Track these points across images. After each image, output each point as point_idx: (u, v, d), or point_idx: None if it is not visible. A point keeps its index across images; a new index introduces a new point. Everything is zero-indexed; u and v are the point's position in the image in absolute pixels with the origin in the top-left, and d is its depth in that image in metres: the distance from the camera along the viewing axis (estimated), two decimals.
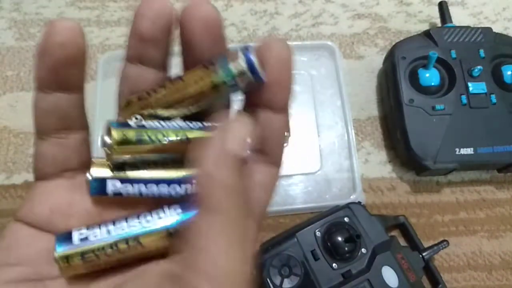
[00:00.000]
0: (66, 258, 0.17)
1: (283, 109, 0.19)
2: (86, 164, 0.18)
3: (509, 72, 0.44)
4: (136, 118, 0.18)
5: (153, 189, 0.18)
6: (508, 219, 0.44)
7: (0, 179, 0.43)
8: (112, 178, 0.18)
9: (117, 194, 0.18)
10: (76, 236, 0.17)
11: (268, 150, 0.19)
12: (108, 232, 0.17)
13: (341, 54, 0.50)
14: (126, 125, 0.18)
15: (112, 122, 0.18)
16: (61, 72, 0.16)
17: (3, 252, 0.17)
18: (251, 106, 0.19)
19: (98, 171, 0.18)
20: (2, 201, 0.42)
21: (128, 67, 0.19)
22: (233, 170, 0.15)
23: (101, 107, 0.44)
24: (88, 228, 0.17)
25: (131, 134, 0.17)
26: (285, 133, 0.19)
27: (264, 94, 0.18)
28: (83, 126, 0.19)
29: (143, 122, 0.18)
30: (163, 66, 0.19)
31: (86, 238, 0.17)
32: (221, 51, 0.18)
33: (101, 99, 0.45)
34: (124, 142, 0.17)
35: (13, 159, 0.44)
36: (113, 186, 0.18)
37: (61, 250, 0.17)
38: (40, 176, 0.18)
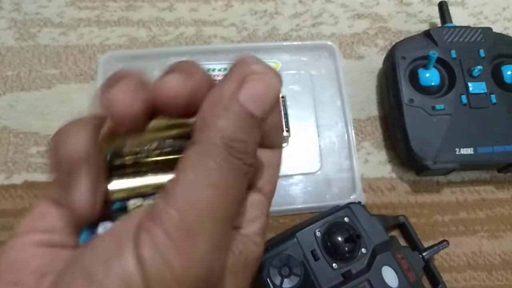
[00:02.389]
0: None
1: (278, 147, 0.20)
2: None
3: (509, 72, 0.44)
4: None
5: None
6: (508, 219, 0.44)
7: (0, 179, 0.43)
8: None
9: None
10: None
11: (269, 142, 0.20)
12: None
13: (341, 54, 0.50)
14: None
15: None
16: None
17: (31, 220, 0.17)
18: None
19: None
20: (2, 201, 0.42)
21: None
22: (237, 122, 0.15)
23: None
24: None
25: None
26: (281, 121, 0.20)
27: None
28: None
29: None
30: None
31: None
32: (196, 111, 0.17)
33: None
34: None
35: (13, 159, 0.44)
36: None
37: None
38: None
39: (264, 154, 0.20)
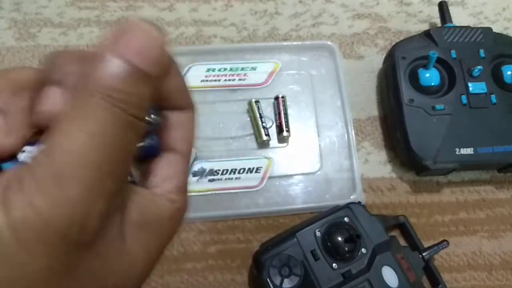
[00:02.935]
0: None
1: (189, 107, 0.20)
2: None
3: (509, 72, 0.44)
4: None
5: None
6: (508, 219, 0.44)
7: None
8: None
9: None
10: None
11: (176, 103, 0.20)
12: None
13: (341, 54, 0.50)
14: None
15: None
16: None
17: None
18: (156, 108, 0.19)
19: None
20: None
21: None
22: (116, 73, 0.15)
23: None
24: None
25: None
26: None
27: (163, 104, 0.19)
28: None
29: None
30: None
31: None
32: None
33: None
34: None
35: None
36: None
37: None
38: None
39: (174, 115, 0.20)
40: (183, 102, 0.20)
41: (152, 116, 0.18)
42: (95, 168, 0.14)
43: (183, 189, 0.20)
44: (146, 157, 0.19)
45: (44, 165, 0.14)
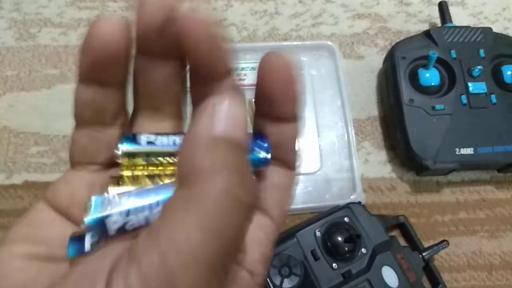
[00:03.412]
0: (131, 155, 0.17)
1: (293, 118, 0.18)
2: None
3: (509, 72, 0.44)
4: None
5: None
6: (508, 219, 0.44)
7: (0, 179, 0.43)
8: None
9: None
10: (143, 139, 0.17)
11: (282, 156, 0.18)
12: (174, 143, 0.17)
13: (341, 54, 0.50)
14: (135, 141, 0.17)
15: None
16: (100, 69, 0.16)
17: (23, 227, 0.17)
18: (261, 117, 0.18)
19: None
20: (2, 201, 0.42)
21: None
22: (222, 153, 0.14)
23: None
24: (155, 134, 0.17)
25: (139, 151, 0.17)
26: (297, 139, 0.19)
27: (272, 109, 0.18)
28: (120, 122, 0.18)
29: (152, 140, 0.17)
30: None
31: (152, 143, 0.17)
32: (227, 67, 0.17)
33: None
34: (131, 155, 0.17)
35: (13, 159, 0.44)
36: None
37: (126, 148, 0.17)
38: (71, 163, 0.18)
39: (275, 174, 0.19)
40: (289, 158, 0.19)
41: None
42: (211, 268, 0.13)
43: (268, 260, 0.18)
44: None
45: (155, 264, 0.12)
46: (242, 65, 0.48)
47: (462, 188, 0.45)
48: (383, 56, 0.48)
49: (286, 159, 0.19)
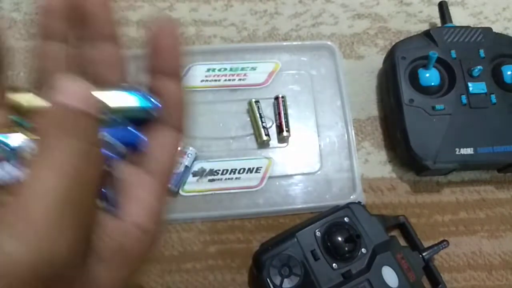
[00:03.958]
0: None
1: (176, 75, 0.20)
2: None
3: (509, 72, 0.44)
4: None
5: None
6: (508, 219, 0.44)
7: None
8: None
9: None
10: None
11: (169, 115, 0.20)
12: None
13: (341, 54, 0.50)
14: None
15: None
16: None
17: None
18: (149, 74, 0.20)
19: None
20: None
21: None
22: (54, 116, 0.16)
23: None
24: None
25: None
26: (184, 102, 0.21)
27: (155, 61, 0.20)
28: None
29: None
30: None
31: None
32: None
33: None
34: None
35: None
36: None
37: None
38: None
39: (161, 134, 0.20)
40: (176, 121, 0.20)
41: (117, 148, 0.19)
42: (60, 202, 0.15)
43: (156, 216, 0.19)
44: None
45: (14, 209, 0.14)
46: (242, 65, 0.48)
47: (462, 188, 0.45)
48: (383, 56, 0.48)
49: (175, 121, 0.20)
